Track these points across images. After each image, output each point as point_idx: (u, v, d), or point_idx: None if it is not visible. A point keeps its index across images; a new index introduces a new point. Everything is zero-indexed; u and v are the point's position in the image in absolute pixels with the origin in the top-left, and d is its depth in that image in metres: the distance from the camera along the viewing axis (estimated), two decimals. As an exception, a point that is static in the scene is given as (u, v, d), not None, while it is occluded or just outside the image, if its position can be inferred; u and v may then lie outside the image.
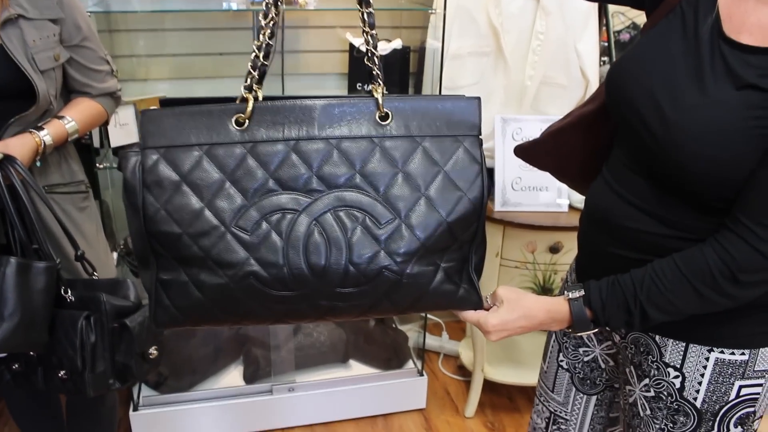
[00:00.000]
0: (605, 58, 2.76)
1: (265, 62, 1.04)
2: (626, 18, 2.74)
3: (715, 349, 1.13)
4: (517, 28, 2.41)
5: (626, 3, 1.23)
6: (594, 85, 2.52)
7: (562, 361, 1.42)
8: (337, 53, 2.67)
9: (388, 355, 2.67)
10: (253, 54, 1.01)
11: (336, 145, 1.02)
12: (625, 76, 1.12)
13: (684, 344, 1.15)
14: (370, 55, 1.06)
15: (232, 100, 1.04)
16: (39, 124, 1.67)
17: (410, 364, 2.68)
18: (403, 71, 2.53)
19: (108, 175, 2.40)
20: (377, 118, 1.04)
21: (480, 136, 1.07)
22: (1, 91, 1.61)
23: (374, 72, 1.06)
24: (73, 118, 1.73)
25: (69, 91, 1.81)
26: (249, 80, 1.01)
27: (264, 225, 1.00)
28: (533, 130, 2.37)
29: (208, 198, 1.00)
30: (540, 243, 2.34)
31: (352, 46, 2.53)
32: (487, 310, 1.14)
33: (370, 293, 1.04)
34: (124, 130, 2.29)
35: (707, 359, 1.13)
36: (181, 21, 2.51)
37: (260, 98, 1.03)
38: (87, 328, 1.54)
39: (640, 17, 2.71)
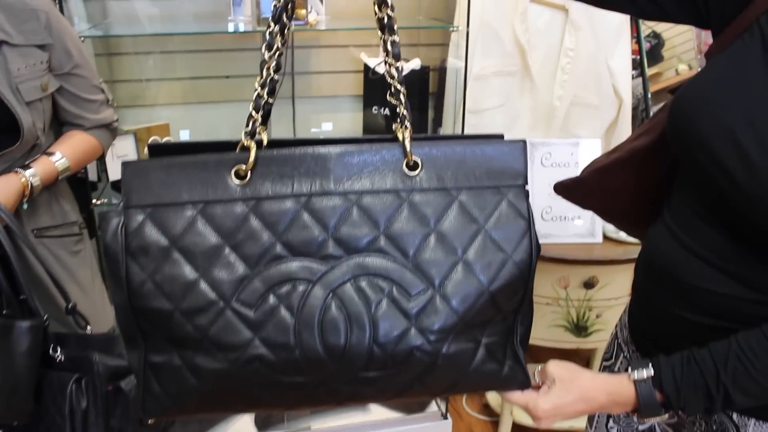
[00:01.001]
0: (635, 71, 2.60)
1: (270, 100, 0.88)
2: (646, 27, 2.58)
3: None
4: (544, 44, 2.27)
5: (687, 21, 1.06)
6: (628, 105, 2.36)
7: (612, 427, 1.25)
8: (350, 74, 2.53)
9: (410, 396, 2.52)
10: (255, 93, 0.85)
11: (356, 201, 0.85)
12: (694, 109, 0.94)
13: None
14: (394, 90, 0.89)
15: (233, 145, 0.87)
16: (26, 162, 1.53)
17: (433, 406, 2.54)
18: (422, 93, 2.39)
19: (106, 212, 2.26)
20: (404, 167, 0.87)
21: (527, 187, 0.90)
22: (-18, 126, 1.47)
23: (399, 111, 0.89)
24: (64, 154, 1.59)
25: (60, 124, 1.67)
26: (251, 124, 0.85)
27: (271, 299, 0.84)
28: (564, 154, 2.21)
29: (204, 267, 0.84)
30: (573, 278, 2.18)
31: (366, 66, 2.38)
32: (536, 388, 0.97)
33: (399, 377, 0.87)
34: (123, 162, 2.15)
35: (797, 443, 0.96)
36: (185, 43, 2.39)
37: (265, 142, 0.87)
38: (77, 393, 1.39)
39: (660, 25, 2.55)
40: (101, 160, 2.16)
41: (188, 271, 0.84)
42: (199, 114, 2.48)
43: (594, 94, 2.34)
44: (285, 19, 0.86)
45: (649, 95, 2.63)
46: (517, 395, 0.96)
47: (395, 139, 0.89)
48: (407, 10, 2.50)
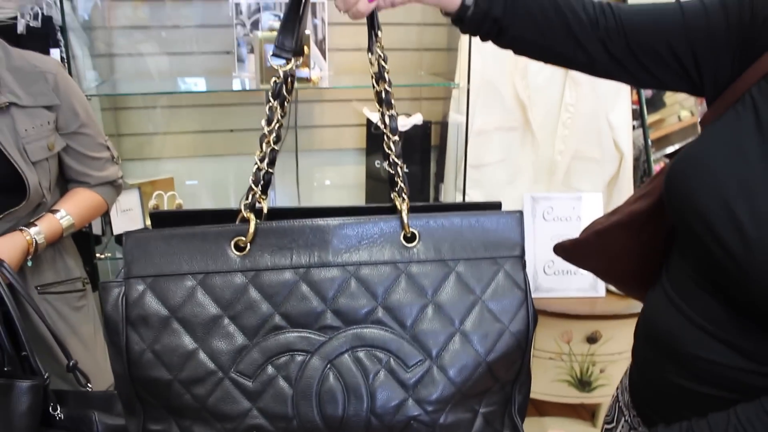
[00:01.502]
0: (636, 122, 2.62)
1: (270, 170, 0.89)
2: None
3: None
4: (545, 100, 2.29)
5: (682, 89, 1.07)
6: (629, 159, 2.38)
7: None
8: (353, 127, 2.56)
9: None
10: (255, 166, 0.86)
11: (354, 273, 0.86)
12: (689, 179, 0.95)
13: None
14: (392, 162, 0.91)
15: (234, 213, 0.89)
16: (31, 220, 1.54)
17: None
18: (424, 147, 2.40)
19: (109, 266, 2.26)
20: (402, 239, 0.88)
21: (524, 258, 0.90)
22: (-11, 185, 1.49)
23: (397, 182, 0.91)
24: (68, 212, 1.60)
25: (66, 181, 1.68)
26: (250, 197, 0.86)
27: (269, 369, 0.85)
28: (565, 208, 2.22)
29: (203, 337, 0.84)
30: (576, 332, 2.17)
31: (369, 121, 2.41)
32: None
33: None
34: (127, 216, 2.17)
35: None
36: (190, 98, 2.43)
37: (265, 210, 0.88)
38: (76, 453, 1.37)
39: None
40: (106, 214, 2.17)
41: (187, 342, 0.84)
42: (203, 167, 2.51)
43: (595, 149, 2.36)
44: (284, 92, 0.88)
45: (651, 146, 2.64)
46: None
47: (393, 208, 0.90)
48: (410, 66, 2.53)
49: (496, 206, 0.94)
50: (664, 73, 1.02)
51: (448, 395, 0.86)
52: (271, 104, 0.86)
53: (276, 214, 0.89)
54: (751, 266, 0.86)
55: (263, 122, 0.87)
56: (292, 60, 0.87)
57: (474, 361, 0.87)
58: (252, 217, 0.86)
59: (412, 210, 0.90)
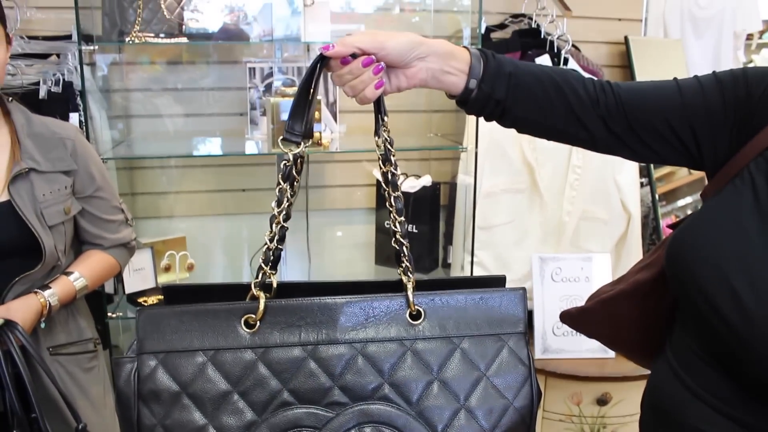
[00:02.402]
0: (643, 180, 2.64)
1: (280, 247, 0.92)
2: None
3: None
4: (552, 162, 2.31)
5: (682, 164, 1.09)
6: (636, 219, 2.39)
7: None
8: (364, 187, 2.59)
9: None
10: (265, 247, 0.89)
11: (360, 350, 0.88)
12: (689, 253, 0.97)
13: None
14: (397, 240, 0.93)
15: (245, 288, 0.91)
16: (46, 282, 1.57)
17: None
18: (433, 208, 2.43)
19: (120, 325, 2.28)
20: (408, 316, 0.90)
21: (527, 334, 0.92)
22: (7, 249, 1.52)
23: (402, 261, 0.93)
24: (82, 274, 1.63)
25: (80, 242, 1.71)
26: (260, 276, 0.89)
27: None
28: (574, 269, 2.23)
29: (213, 413, 0.86)
30: (586, 394, 2.15)
31: (379, 182, 2.44)
32: None
33: None
34: (139, 276, 2.19)
35: None
36: (203, 159, 2.46)
37: (275, 285, 0.91)
38: None
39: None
40: (118, 274, 2.20)
41: (198, 417, 0.86)
42: (215, 225, 2.54)
43: (602, 209, 2.37)
44: (294, 173, 0.91)
45: (659, 203, 2.66)
46: None
47: (400, 283, 0.93)
48: (419, 127, 2.57)
49: (500, 280, 0.97)
50: (664, 148, 1.04)
51: None
52: (281, 186, 0.89)
53: (285, 289, 0.92)
54: (752, 341, 0.87)
55: (273, 204, 0.89)
56: (302, 143, 0.90)
57: None
58: (262, 295, 0.88)
59: (418, 286, 0.92)
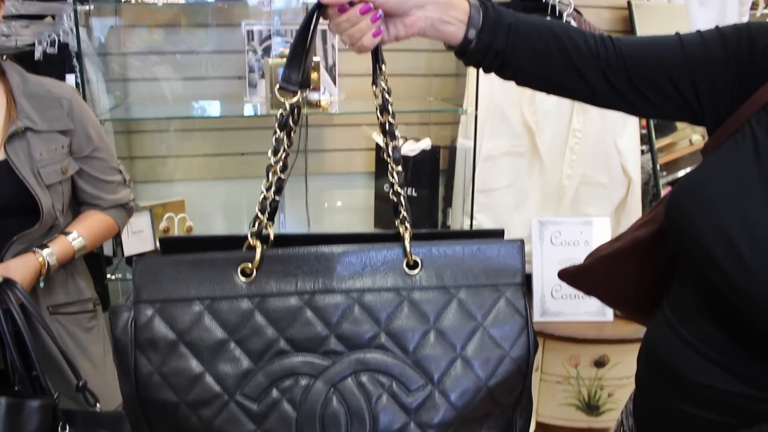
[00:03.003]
0: (644, 147, 2.63)
1: (277, 198, 0.91)
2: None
3: None
4: (552, 126, 2.30)
5: (682, 119, 1.08)
6: (637, 184, 2.38)
7: None
8: (363, 152, 2.58)
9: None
10: (261, 195, 0.88)
11: (357, 299, 0.88)
12: (688, 207, 0.96)
13: None
14: (395, 191, 0.93)
15: (241, 239, 0.91)
16: (44, 242, 1.57)
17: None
18: (433, 171, 2.42)
19: (120, 287, 2.29)
20: (405, 266, 0.90)
21: (524, 285, 0.92)
22: (5, 208, 1.52)
23: (400, 210, 0.92)
24: (80, 234, 1.63)
25: (79, 203, 1.71)
26: (256, 225, 0.88)
27: (274, 392, 0.86)
28: (573, 232, 2.23)
29: (210, 361, 0.86)
30: (584, 356, 2.17)
31: (378, 146, 2.43)
32: None
33: None
34: (138, 238, 2.19)
35: None
36: (202, 122, 2.46)
37: (272, 237, 0.90)
38: (83, 472, 1.39)
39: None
40: (117, 236, 2.19)
41: (194, 365, 0.86)
42: (214, 189, 2.53)
43: (603, 174, 2.36)
44: (291, 123, 0.90)
45: (659, 170, 2.65)
46: None
47: (398, 236, 0.92)
48: (419, 91, 2.56)
49: (499, 233, 0.96)
50: (665, 103, 1.04)
51: (450, 419, 0.87)
52: (277, 135, 0.89)
53: (282, 240, 0.91)
54: (750, 293, 0.87)
55: (270, 152, 0.89)
56: (299, 93, 0.89)
57: (475, 385, 0.88)
58: (258, 244, 0.88)
59: (415, 238, 0.91)
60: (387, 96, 0.92)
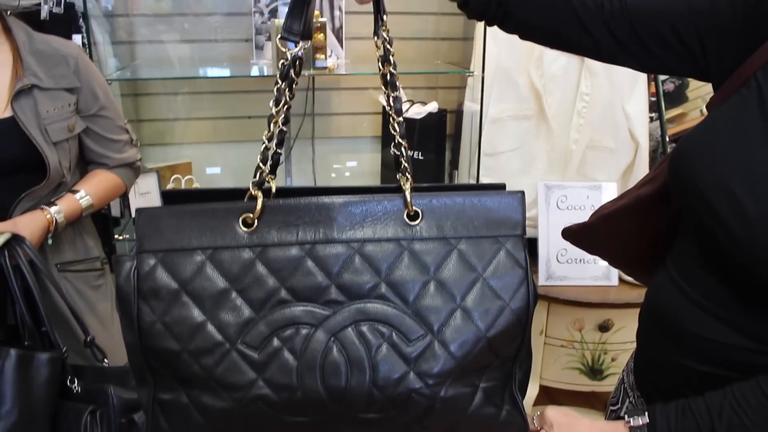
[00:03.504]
0: (653, 114, 2.61)
1: (279, 150, 0.92)
2: (668, 69, 2.58)
3: None
4: (560, 89, 2.29)
5: (688, 74, 1.08)
6: (644, 149, 2.37)
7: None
8: (370, 115, 2.58)
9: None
10: (262, 146, 0.89)
11: (358, 249, 0.88)
12: (692, 161, 0.96)
13: None
14: (396, 143, 0.93)
15: (243, 192, 0.91)
16: (52, 200, 1.58)
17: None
18: (439, 135, 2.42)
19: (127, 247, 2.30)
20: (405, 217, 0.90)
21: (524, 236, 0.92)
22: (13, 165, 1.54)
23: (401, 162, 0.93)
24: (88, 192, 1.65)
25: (86, 162, 1.72)
26: (258, 175, 0.89)
27: (275, 341, 0.87)
28: (579, 197, 2.23)
29: (212, 310, 0.87)
30: (588, 321, 2.18)
31: (385, 109, 2.42)
32: (538, 429, 1.00)
33: (398, 419, 0.89)
34: (145, 200, 2.21)
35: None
36: (209, 85, 2.46)
37: (273, 190, 0.91)
38: (92, 424, 1.41)
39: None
40: (124, 197, 2.21)
41: (196, 314, 0.87)
42: (221, 152, 2.54)
43: (610, 138, 2.35)
44: (293, 74, 0.90)
45: (668, 138, 2.63)
46: None
47: (399, 188, 0.93)
48: (426, 55, 2.55)
49: (501, 188, 0.96)
50: (670, 57, 1.03)
51: (449, 369, 0.88)
52: (279, 85, 0.89)
53: (284, 192, 0.92)
54: (751, 245, 0.87)
55: (271, 103, 0.89)
56: (300, 43, 0.89)
57: (475, 336, 0.88)
58: (260, 194, 0.88)
59: (416, 190, 0.91)
60: (388, 47, 0.91)
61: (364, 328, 0.87)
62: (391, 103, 0.91)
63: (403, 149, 0.92)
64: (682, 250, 1.05)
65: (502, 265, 0.91)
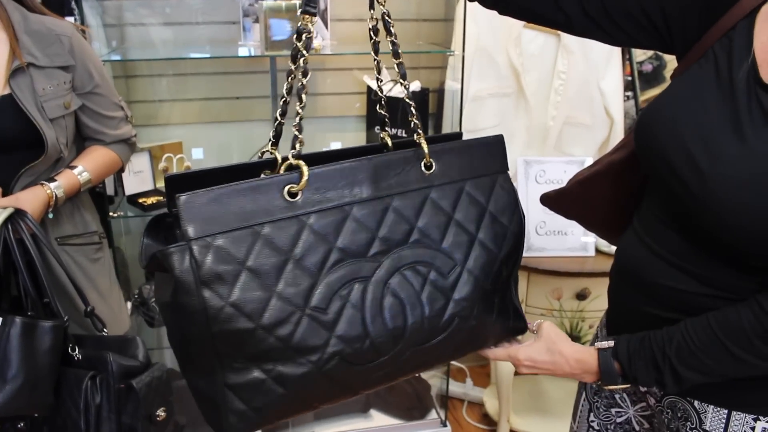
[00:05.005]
0: (629, 93, 2.69)
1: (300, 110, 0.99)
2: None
3: (761, 417, 1.04)
4: (538, 68, 2.36)
5: (654, 47, 1.16)
6: (619, 124, 2.45)
7: (593, 421, 1.33)
8: (355, 95, 2.63)
9: (411, 404, 2.58)
10: (298, 117, 0.96)
11: (390, 203, 0.99)
12: (655, 125, 1.05)
13: (726, 411, 1.07)
14: (406, 105, 1.07)
15: (248, 168, 0.97)
16: (51, 175, 1.64)
17: (433, 413, 2.59)
18: (422, 113, 2.48)
19: (122, 224, 2.36)
20: (423, 167, 1.03)
21: (508, 170, 1.13)
22: (12, 141, 1.58)
23: (411, 120, 1.06)
24: (85, 168, 1.69)
25: (83, 139, 1.77)
26: (297, 145, 0.94)
27: (338, 300, 0.93)
28: (557, 171, 2.31)
29: (274, 282, 0.89)
30: (566, 289, 2.26)
31: (370, 89, 2.49)
32: (533, 332, 1.17)
33: (448, 342, 1.04)
34: (138, 178, 2.26)
35: (753, 429, 1.05)
36: (198, 66, 2.49)
37: (279, 159, 0.97)
38: (92, 389, 1.46)
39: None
40: (118, 176, 2.25)
41: (262, 289, 0.89)
42: (210, 133, 2.57)
43: (586, 114, 2.43)
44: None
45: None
46: (499, 352, 1.16)
47: (406, 144, 1.05)
48: (409, 36, 2.60)
49: (458, 136, 1.14)
50: (638, 32, 1.10)
51: (475, 293, 1.05)
52: (304, 57, 0.96)
53: (309, 160, 0.95)
54: (706, 199, 0.95)
55: (300, 75, 0.96)
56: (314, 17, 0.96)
57: (491, 261, 1.06)
58: (303, 165, 0.91)
59: (412, 145, 1.04)
60: (387, 18, 1.02)
61: (408, 272, 0.99)
62: (397, 69, 1.05)
63: (412, 108, 1.05)
64: (647, 208, 1.14)
65: (500, 196, 1.09)
